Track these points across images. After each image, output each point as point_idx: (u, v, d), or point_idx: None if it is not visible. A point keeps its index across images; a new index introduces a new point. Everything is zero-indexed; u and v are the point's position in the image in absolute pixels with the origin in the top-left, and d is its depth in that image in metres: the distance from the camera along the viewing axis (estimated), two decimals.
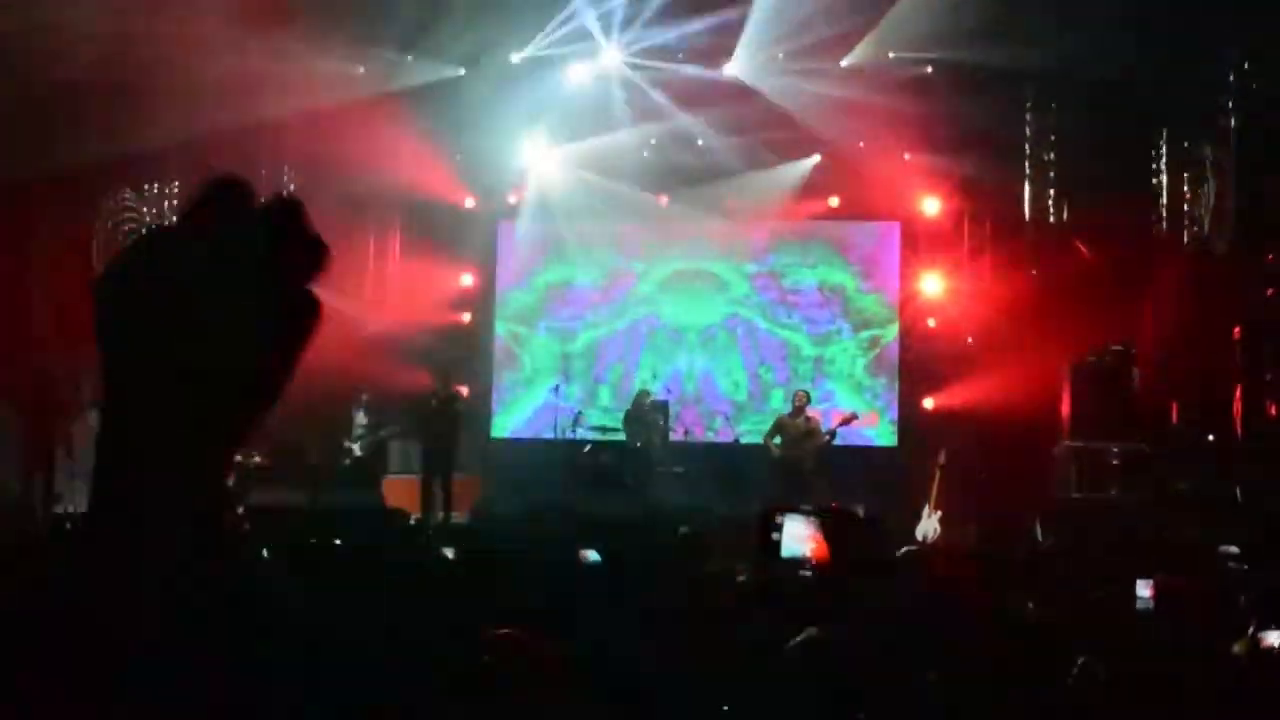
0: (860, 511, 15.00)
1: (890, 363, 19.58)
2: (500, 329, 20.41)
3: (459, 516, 15.95)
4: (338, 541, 8.23)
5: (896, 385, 19.45)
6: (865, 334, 19.69)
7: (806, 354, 19.80)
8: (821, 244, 19.92)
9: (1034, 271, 17.68)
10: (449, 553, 8.18)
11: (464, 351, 19.32)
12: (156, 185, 17.14)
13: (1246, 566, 9.22)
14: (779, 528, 7.62)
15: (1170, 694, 4.80)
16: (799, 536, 7.16)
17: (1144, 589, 6.87)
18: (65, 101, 13.93)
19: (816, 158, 19.03)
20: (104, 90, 14.23)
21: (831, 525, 7.03)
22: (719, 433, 19.08)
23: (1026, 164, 17.82)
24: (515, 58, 18.02)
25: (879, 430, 19.30)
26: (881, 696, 4.49)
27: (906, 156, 18.44)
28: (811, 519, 7.24)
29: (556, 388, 18.65)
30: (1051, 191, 17.63)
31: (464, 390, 17.51)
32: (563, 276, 20.40)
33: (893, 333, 19.59)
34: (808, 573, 6.99)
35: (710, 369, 19.94)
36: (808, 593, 6.39)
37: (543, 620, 4.94)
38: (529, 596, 6.02)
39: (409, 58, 17.66)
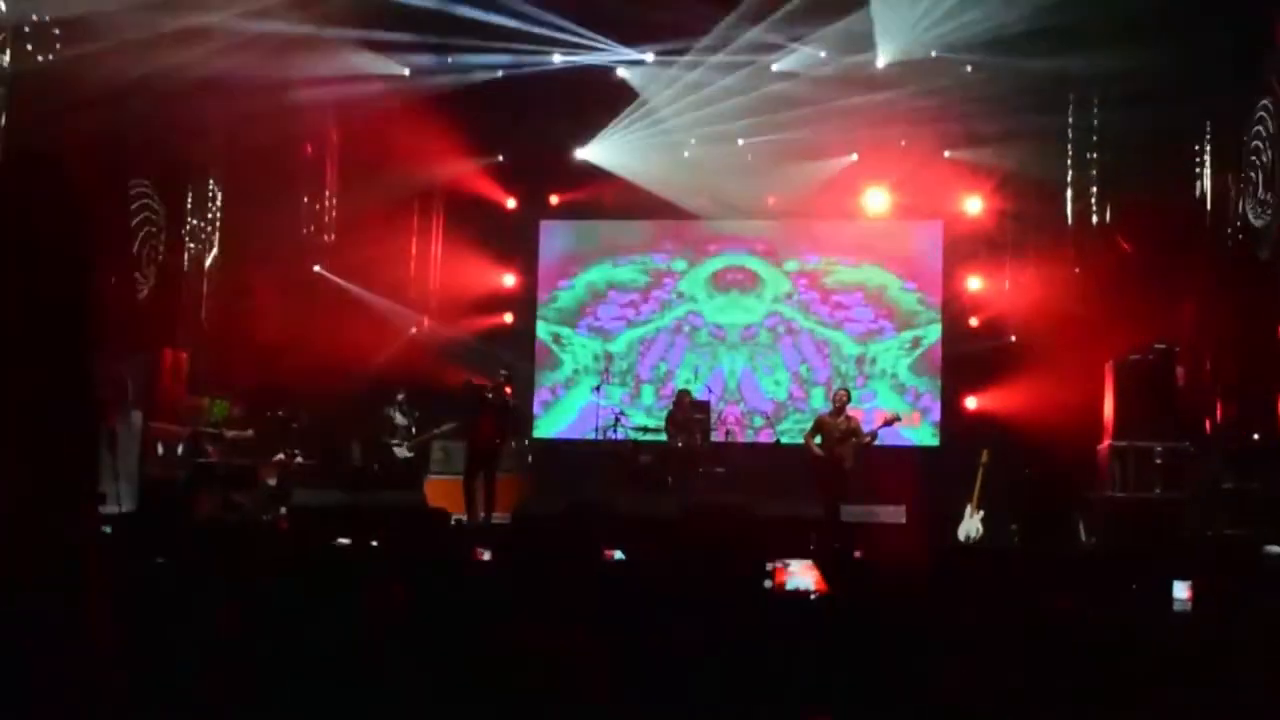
0: (902, 512, 15.03)
1: (933, 362, 19.51)
2: (541, 330, 20.47)
3: (500, 516, 15.96)
4: (374, 543, 8.27)
5: (939, 385, 19.38)
6: (908, 334, 19.62)
7: (848, 353, 19.76)
8: (863, 243, 19.87)
9: (1076, 270, 17.60)
10: (486, 555, 8.19)
11: (507, 351, 19.38)
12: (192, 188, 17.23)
13: None
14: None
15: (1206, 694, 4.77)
16: (799, 572, 7.16)
17: (1181, 590, 6.80)
18: (109, 99, 14.01)
19: (854, 156, 19.04)
20: (143, 87, 14.30)
21: (826, 568, 7.01)
22: (759, 433, 19.07)
23: (1069, 162, 17.72)
24: (557, 59, 18.04)
25: (920, 430, 19.25)
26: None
27: (947, 155, 18.45)
28: (806, 563, 7.24)
29: (598, 387, 18.66)
30: (1094, 190, 17.53)
31: (509, 390, 17.55)
32: (604, 276, 20.45)
33: (935, 332, 19.52)
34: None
35: (751, 368, 19.94)
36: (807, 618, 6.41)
37: (576, 619, 4.97)
38: (563, 596, 6.04)
39: (449, 59, 17.72)
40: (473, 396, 16.47)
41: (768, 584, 6.65)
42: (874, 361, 19.67)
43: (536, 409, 20.29)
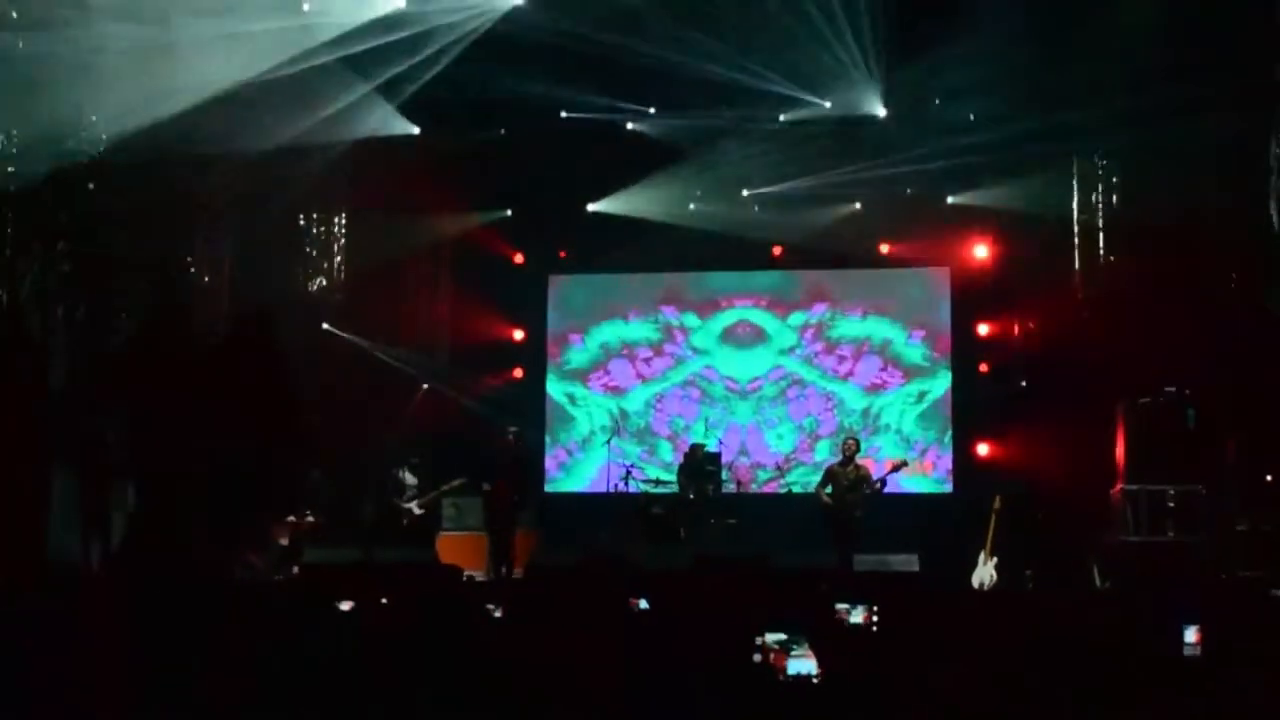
0: (915, 560, 14.95)
1: (941, 413, 19.46)
2: (555, 389, 20.46)
3: (517, 572, 15.91)
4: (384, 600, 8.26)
5: (949, 433, 19.34)
6: (914, 386, 19.60)
7: (853, 406, 19.73)
8: (869, 293, 19.90)
9: (1085, 314, 17.56)
10: (497, 612, 8.18)
11: (518, 406, 19.42)
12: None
13: None
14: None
15: None
16: (799, 654, 7.12)
17: (1190, 634, 6.74)
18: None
19: (857, 205, 19.09)
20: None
21: (817, 641, 6.96)
22: (765, 486, 19.09)
23: (1075, 205, 17.71)
24: (564, 114, 18.11)
25: (932, 478, 19.21)
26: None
27: (950, 200, 18.50)
28: (802, 641, 7.18)
29: (608, 441, 18.69)
30: (1101, 232, 17.51)
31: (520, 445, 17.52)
32: (616, 334, 20.47)
33: (942, 385, 19.49)
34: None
35: (758, 421, 19.92)
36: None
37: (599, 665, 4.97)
38: (577, 649, 6.04)
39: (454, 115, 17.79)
40: (489, 452, 16.41)
41: (757, 658, 6.58)
42: (880, 414, 19.63)
43: (554, 469, 20.27)
